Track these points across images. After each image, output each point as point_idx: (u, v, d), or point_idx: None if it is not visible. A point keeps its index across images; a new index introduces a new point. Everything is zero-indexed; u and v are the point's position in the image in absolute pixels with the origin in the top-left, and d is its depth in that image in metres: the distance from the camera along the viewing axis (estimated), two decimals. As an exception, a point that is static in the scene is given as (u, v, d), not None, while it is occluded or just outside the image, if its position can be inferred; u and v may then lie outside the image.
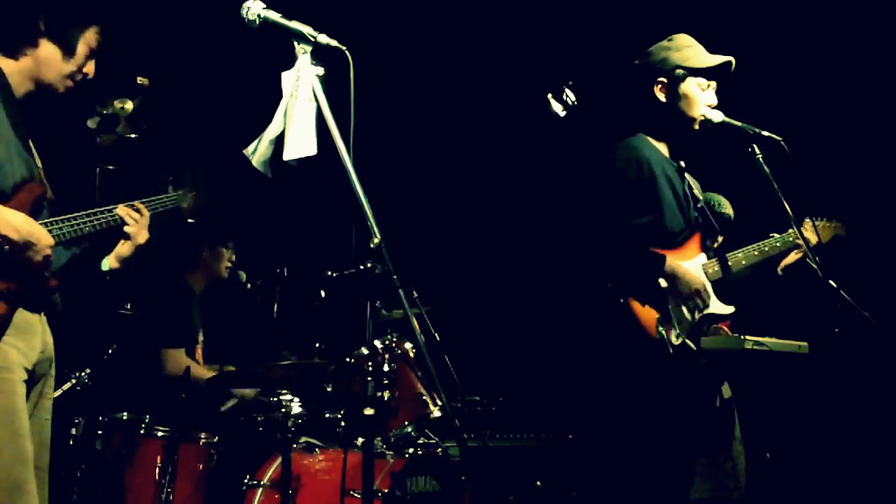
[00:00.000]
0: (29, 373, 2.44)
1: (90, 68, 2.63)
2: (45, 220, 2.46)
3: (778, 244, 3.44)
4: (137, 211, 2.75)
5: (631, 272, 3.12)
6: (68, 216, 2.54)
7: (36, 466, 2.42)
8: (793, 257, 3.40)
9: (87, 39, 2.59)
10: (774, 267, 3.43)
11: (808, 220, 3.49)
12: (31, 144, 2.54)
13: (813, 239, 3.44)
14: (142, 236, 2.74)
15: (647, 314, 3.10)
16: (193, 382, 3.96)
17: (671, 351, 3.09)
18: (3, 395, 2.34)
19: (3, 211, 2.33)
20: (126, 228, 2.70)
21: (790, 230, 3.48)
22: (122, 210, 2.71)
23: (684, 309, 3.19)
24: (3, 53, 2.50)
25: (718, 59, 3.30)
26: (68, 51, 2.54)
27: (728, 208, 4.46)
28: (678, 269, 3.15)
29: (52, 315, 2.57)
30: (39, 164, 2.54)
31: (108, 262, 2.72)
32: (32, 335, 2.46)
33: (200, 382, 4.03)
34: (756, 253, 3.42)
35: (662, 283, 3.15)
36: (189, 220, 3.06)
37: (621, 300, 3.08)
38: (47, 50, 2.52)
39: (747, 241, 3.49)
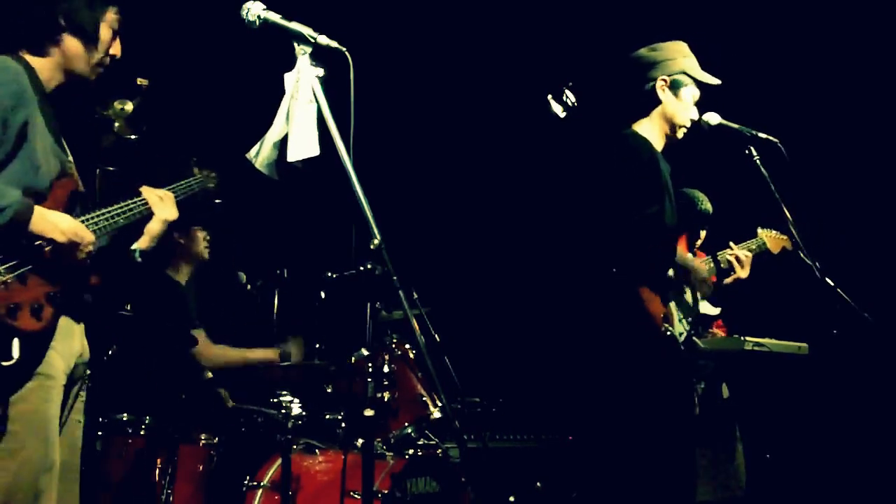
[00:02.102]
0: (67, 377, 2.47)
1: (116, 49, 2.64)
2: (83, 218, 2.49)
3: (753, 247, 3.47)
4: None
5: (644, 260, 3.11)
6: (102, 210, 2.57)
7: (68, 469, 2.47)
8: (731, 278, 3.42)
9: (109, 21, 2.60)
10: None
11: (765, 230, 3.52)
12: (62, 139, 2.56)
13: (772, 249, 3.48)
14: (171, 213, 2.76)
15: (655, 308, 3.08)
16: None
17: (682, 347, 3.09)
18: (42, 402, 2.37)
19: (47, 213, 2.36)
20: (154, 207, 2.72)
21: (757, 236, 3.53)
22: (146, 190, 2.74)
23: (689, 298, 3.19)
24: (31, 52, 2.51)
25: (714, 80, 3.34)
26: (92, 40, 2.56)
27: (707, 203, 4.47)
28: (688, 259, 3.18)
29: (87, 317, 2.59)
30: (71, 159, 2.56)
31: (139, 244, 2.73)
32: (72, 339, 2.49)
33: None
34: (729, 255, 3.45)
35: (671, 273, 3.15)
36: (216, 201, 3.07)
37: (632, 288, 3.06)
38: (71, 43, 2.53)
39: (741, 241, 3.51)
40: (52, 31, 2.51)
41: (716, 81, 3.32)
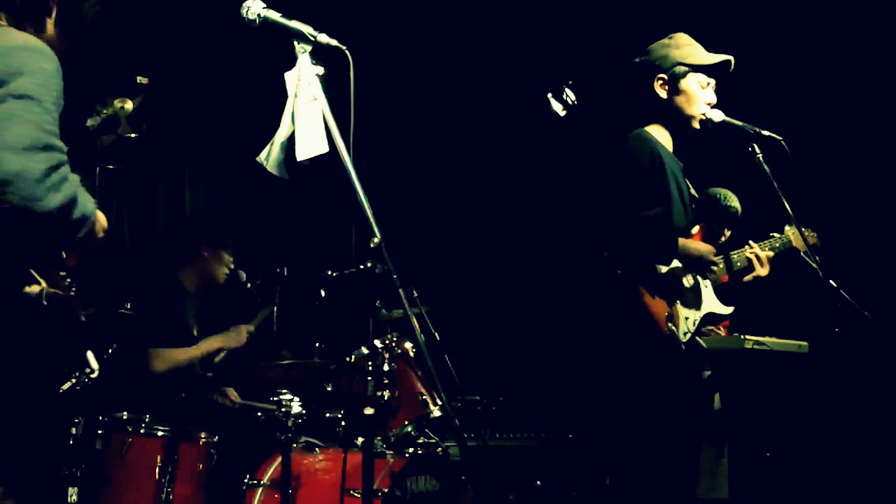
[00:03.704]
0: None
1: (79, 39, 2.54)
2: None
3: (776, 245, 3.46)
4: None
5: (646, 260, 3.10)
6: None
7: None
8: (751, 276, 3.40)
9: (88, 13, 2.49)
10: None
11: (790, 227, 3.52)
12: None
13: (799, 246, 3.46)
14: None
15: (658, 308, 3.08)
16: (188, 366, 3.95)
17: (683, 348, 3.09)
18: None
19: (98, 213, 2.26)
20: None
21: (784, 233, 3.51)
22: None
23: (693, 296, 3.18)
24: (20, 26, 2.34)
25: (719, 58, 3.30)
26: (71, 30, 2.44)
27: (734, 202, 4.46)
28: (688, 243, 3.17)
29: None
30: None
31: None
32: None
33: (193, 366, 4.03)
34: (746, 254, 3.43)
35: (676, 263, 3.14)
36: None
37: (632, 289, 3.05)
38: (49, 29, 2.39)
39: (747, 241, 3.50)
40: (43, 11, 2.37)
41: (717, 59, 3.30)
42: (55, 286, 2.14)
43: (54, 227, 2.02)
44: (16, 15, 2.32)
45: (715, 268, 3.25)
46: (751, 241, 3.47)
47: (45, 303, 2.09)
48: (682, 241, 3.17)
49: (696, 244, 3.23)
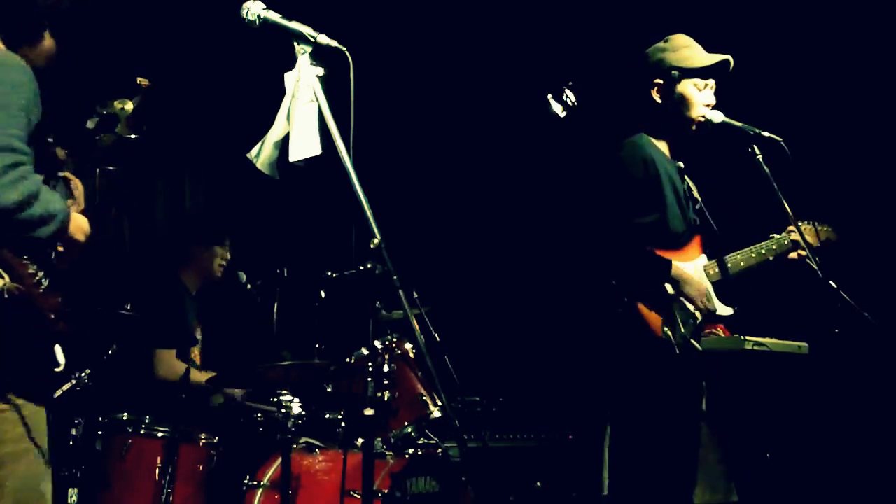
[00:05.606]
0: None
1: None
2: None
3: (774, 246, 3.44)
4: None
5: (637, 273, 3.11)
6: None
7: None
8: (802, 252, 3.35)
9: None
10: (769, 268, 3.42)
11: (803, 223, 3.50)
12: None
13: (812, 241, 3.44)
14: (81, 202, 2.70)
15: (653, 314, 3.09)
16: (192, 387, 3.95)
17: (678, 351, 3.09)
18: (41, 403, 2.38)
19: (75, 215, 2.35)
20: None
21: (784, 232, 3.50)
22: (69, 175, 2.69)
23: (690, 307, 3.18)
24: (23, 50, 2.46)
25: (715, 59, 3.29)
26: (60, 40, 2.55)
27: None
28: (683, 274, 3.16)
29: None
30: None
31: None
32: None
33: (199, 386, 4.02)
34: (753, 255, 3.42)
35: (669, 288, 3.15)
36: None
37: (630, 296, 3.06)
38: (48, 42, 2.52)
39: (748, 242, 3.49)
40: (40, 29, 2.50)
41: (712, 60, 3.29)
42: (19, 281, 2.21)
43: (9, 222, 2.13)
44: (11, 38, 2.44)
45: (705, 303, 3.23)
46: (790, 227, 3.41)
47: (5, 296, 2.17)
48: (679, 268, 3.16)
49: (694, 280, 3.20)
